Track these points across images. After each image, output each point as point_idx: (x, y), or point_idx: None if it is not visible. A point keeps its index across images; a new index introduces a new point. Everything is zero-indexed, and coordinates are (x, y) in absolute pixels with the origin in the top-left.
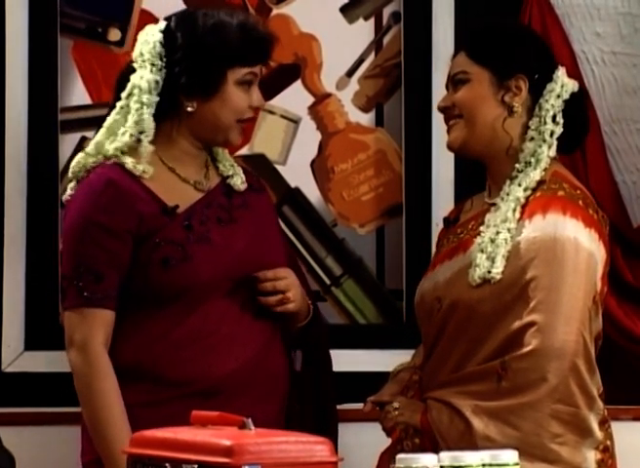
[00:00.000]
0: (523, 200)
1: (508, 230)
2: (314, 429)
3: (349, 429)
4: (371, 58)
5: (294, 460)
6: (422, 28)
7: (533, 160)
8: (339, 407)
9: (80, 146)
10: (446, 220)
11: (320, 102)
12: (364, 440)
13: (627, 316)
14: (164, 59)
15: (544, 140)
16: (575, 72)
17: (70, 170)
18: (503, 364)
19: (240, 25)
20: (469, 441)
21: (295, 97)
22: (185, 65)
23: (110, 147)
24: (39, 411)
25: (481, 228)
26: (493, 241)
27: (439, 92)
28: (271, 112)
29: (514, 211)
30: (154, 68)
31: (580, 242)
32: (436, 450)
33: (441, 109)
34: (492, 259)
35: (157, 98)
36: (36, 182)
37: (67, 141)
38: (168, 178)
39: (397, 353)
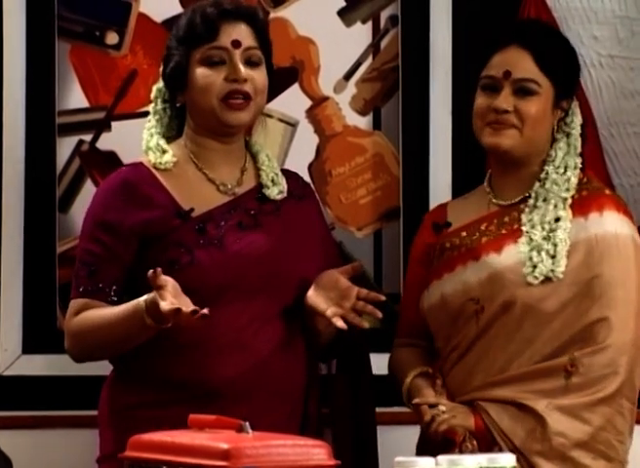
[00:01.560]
0: (570, 200)
1: (565, 229)
2: (348, 433)
3: None
4: (368, 61)
5: (291, 464)
6: (420, 32)
7: (570, 163)
8: None
9: (78, 149)
10: (436, 225)
11: (318, 106)
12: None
13: None
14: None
15: (571, 153)
16: None
17: None
18: (573, 360)
19: (192, 9)
20: (540, 438)
21: (292, 101)
22: (166, 64)
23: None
24: (36, 415)
25: (524, 228)
26: (547, 239)
27: (437, 95)
28: (269, 116)
29: (564, 209)
30: (160, 78)
31: (637, 239)
32: (491, 452)
33: (499, 111)
34: (551, 257)
35: (163, 105)
36: (34, 185)
37: (65, 145)
38: (194, 178)
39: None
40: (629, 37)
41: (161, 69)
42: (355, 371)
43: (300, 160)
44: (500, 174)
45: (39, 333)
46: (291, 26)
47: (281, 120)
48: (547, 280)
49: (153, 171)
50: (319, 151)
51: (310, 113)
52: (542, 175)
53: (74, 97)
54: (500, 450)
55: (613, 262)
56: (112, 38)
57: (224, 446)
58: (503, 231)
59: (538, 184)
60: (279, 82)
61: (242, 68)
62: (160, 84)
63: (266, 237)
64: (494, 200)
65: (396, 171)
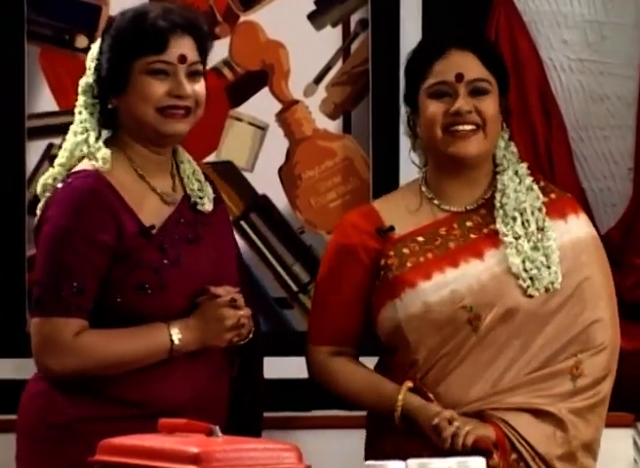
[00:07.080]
0: (544, 208)
1: (554, 239)
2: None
3: (315, 436)
4: (338, 65)
5: (261, 467)
6: (390, 35)
7: (520, 170)
8: (307, 413)
9: (47, 153)
10: (381, 230)
11: (287, 109)
12: (330, 447)
13: None
14: (95, 63)
15: (513, 160)
16: (542, 79)
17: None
18: (577, 363)
19: (136, 16)
20: (561, 441)
21: (262, 104)
22: (101, 64)
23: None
24: (6, 419)
25: (506, 239)
26: (537, 249)
27: None
28: (239, 119)
29: (544, 220)
30: (89, 72)
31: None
32: (507, 461)
33: (463, 112)
34: (547, 268)
35: (94, 100)
36: (3, 189)
37: (34, 148)
38: (140, 189)
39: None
40: (599, 41)
41: (92, 68)
42: (252, 374)
43: (269, 163)
44: (453, 178)
45: (9, 337)
46: (261, 30)
47: (251, 123)
48: (545, 290)
49: (108, 179)
50: (289, 155)
51: (280, 117)
52: (499, 186)
53: (44, 100)
54: (521, 458)
55: (596, 264)
56: (82, 41)
57: (195, 449)
58: (472, 236)
59: (499, 195)
60: (249, 85)
61: (187, 85)
62: (89, 78)
63: (207, 250)
64: (441, 205)
65: (366, 174)
